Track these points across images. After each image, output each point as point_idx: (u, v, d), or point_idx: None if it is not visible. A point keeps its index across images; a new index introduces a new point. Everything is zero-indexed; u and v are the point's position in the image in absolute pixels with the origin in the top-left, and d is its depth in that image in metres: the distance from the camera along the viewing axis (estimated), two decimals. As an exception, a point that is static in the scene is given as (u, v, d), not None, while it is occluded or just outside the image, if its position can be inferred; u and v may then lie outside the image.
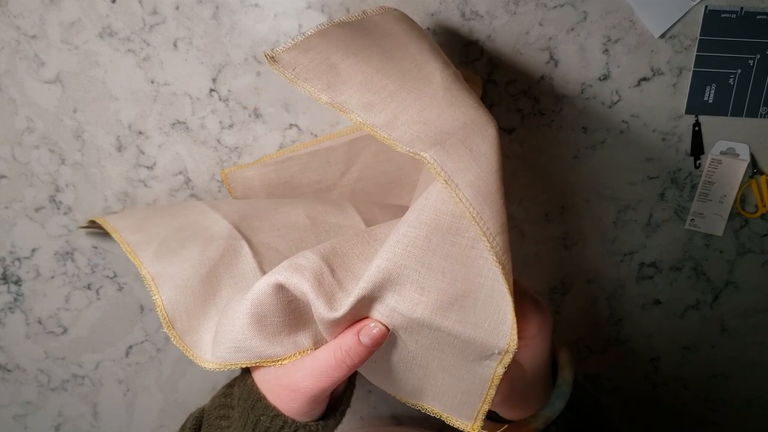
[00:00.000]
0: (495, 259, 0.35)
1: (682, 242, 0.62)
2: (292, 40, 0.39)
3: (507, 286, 0.35)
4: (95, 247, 0.60)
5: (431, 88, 0.40)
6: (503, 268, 0.35)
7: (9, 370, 0.64)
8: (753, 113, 0.57)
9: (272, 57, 0.38)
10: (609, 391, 0.69)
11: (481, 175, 0.35)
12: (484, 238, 0.35)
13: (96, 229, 0.58)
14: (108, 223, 0.52)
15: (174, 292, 0.44)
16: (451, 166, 0.35)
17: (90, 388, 0.65)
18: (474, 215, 0.34)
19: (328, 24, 0.41)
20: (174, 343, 0.43)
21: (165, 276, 0.45)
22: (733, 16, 0.54)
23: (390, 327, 0.37)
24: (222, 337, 0.41)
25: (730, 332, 0.66)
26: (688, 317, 0.65)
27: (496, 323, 0.36)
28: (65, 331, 0.63)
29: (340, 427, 0.47)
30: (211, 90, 0.56)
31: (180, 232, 0.49)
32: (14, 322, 0.62)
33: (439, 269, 0.36)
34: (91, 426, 0.67)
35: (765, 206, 0.60)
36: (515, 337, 0.36)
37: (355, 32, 0.42)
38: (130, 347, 0.64)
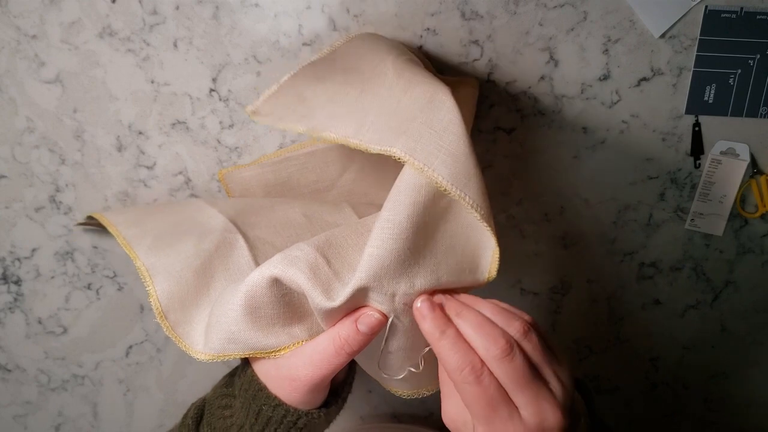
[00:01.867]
0: (485, 224, 0.38)
1: (682, 242, 0.62)
2: (268, 90, 0.44)
3: (493, 235, 0.39)
4: (95, 247, 0.60)
5: (386, 79, 0.42)
6: (491, 227, 0.38)
7: (9, 370, 0.64)
8: (753, 113, 0.57)
9: (254, 112, 0.43)
10: (609, 391, 0.69)
11: (452, 152, 0.37)
12: (472, 210, 0.37)
13: (94, 226, 0.58)
14: (105, 218, 0.53)
15: (168, 283, 0.44)
16: (420, 152, 0.37)
17: (90, 388, 0.65)
18: (459, 193, 0.37)
19: (299, 66, 0.46)
20: (166, 333, 0.43)
21: (159, 267, 0.45)
22: (733, 16, 0.54)
23: (389, 314, 0.38)
24: (215, 328, 0.41)
25: (730, 332, 0.66)
26: (688, 317, 0.65)
27: (474, 263, 0.40)
28: (65, 331, 0.63)
29: (340, 426, 0.47)
30: (211, 90, 0.56)
31: (176, 226, 0.50)
32: (14, 322, 0.62)
33: (424, 238, 0.38)
34: (91, 426, 0.67)
35: (765, 206, 0.60)
36: (494, 271, 0.39)
37: (323, 63, 0.46)
38: (130, 347, 0.64)
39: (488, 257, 0.40)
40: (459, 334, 0.36)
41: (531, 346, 0.36)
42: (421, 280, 0.37)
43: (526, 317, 0.37)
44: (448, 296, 0.38)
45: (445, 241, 0.39)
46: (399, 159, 0.37)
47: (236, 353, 0.40)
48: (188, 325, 0.44)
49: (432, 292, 0.38)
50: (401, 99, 0.40)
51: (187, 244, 0.47)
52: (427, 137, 0.37)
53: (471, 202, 0.37)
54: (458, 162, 0.37)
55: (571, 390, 0.37)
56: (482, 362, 0.35)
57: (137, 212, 0.54)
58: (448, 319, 0.37)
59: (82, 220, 0.58)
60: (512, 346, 0.35)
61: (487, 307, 0.37)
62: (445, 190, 0.37)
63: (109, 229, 0.51)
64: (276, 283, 0.38)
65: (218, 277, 0.46)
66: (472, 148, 0.38)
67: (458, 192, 0.36)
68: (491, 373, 0.35)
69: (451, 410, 0.39)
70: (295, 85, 0.43)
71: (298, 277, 0.37)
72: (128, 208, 0.57)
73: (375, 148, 0.38)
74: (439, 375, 0.40)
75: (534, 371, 0.35)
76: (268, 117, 0.42)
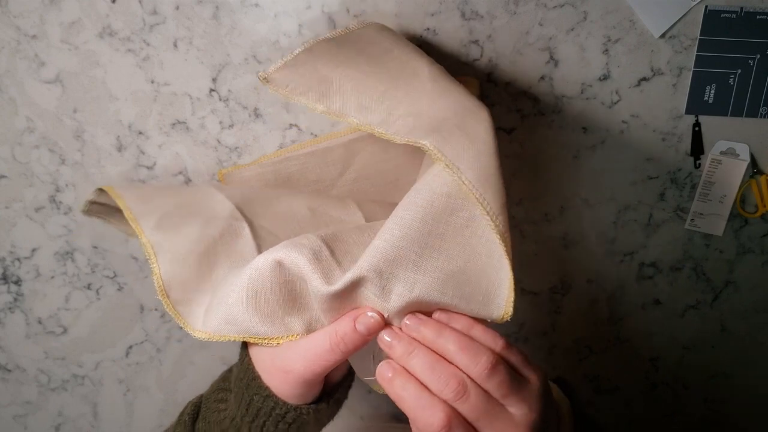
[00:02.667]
0: (498, 237, 0.37)
1: (682, 242, 0.62)
2: (281, 59, 0.41)
3: (508, 261, 0.37)
4: (95, 247, 0.60)
5: (419, 81, 0.42)
6: (506, 246, 0.37)
7: (9, 370, 0.64)
8: (753, 113, 0.57)
9: (265, 78, 0.41)
10: (609, 391, 0.69)
11: (480, 156, 0.37)
12: (488, 217, 0.37)
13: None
14: (114, 191, 0.52)
15: (171, 265, 0.45)
16: (449, 150, 0.37)
17: (90, 388, 0.65)
18: (477, 196, 0.36)
19: (313, 41, 0.43)
20: (167, 310, 0.44)
21: (164, 247, 0.46)
22: (733, 16, 0.54)
23: (384, 312, 0.38)
24: (215, 308, 0.41)
25: (730, 332, 0.66)
26: (688, 317, 0.65)
27: (488, 296, 0.38)
28: (65, 331, 0.63)
29: (340, 426, 0.47)
30: (211, 90, 0.56)
31: (183, 208, 0.50)
32: (14, 322, 0.62)
33: (435, 248, 0.38)
34: (91, 426, 0.67)
35: (765, 206, 0.60)
36: (510, 309, 0.38)
37: (340, 45, 0.45)
38: (130, 347, 0.64)
39: (505, 291, 0.38)
40: (417, 383, 0.36)
41: (494, 385, 0.36)
42: (422, 288, 0.37)
43: (499, 344, 0.37)
44: (397, 330, 0.38)
45: (459, 259, 0.38)
46: (427, 151, 0.37)
47: (232, 335, 0.41)
48: (188, 305, 0.44)
49: (415, 311, 0.38)
50: (435, 102, 0.40)
51: (193, 227, 0.47)
52: (458, 138, 0.38)
53: (488, 208, 0.37)
54: (484, 168, 0.37)
55: (540, 408, 0.37)
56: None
57: (146, 189, 0.54)
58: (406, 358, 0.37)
59: (90, 197, 0.57)
60: (465, 386, 0.35)
61: (452, 339, 0.37)
62: (467, 191, 0.36)
63: (117, 201, 0.50)
64: (279, 266, 0.38)
65: (221, 264, 0.46)
66: (499, 163, 0.38)
67: (477, 194, 0.36)
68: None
69: None
70: (312, 61, 0.42)
71: (299, 260, 0.38)
72: (137, 185, 0.57)
73: (402, 139, 0.38)
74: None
75: (493, 402, 0.36)
76: (284, 88, 0.41)
